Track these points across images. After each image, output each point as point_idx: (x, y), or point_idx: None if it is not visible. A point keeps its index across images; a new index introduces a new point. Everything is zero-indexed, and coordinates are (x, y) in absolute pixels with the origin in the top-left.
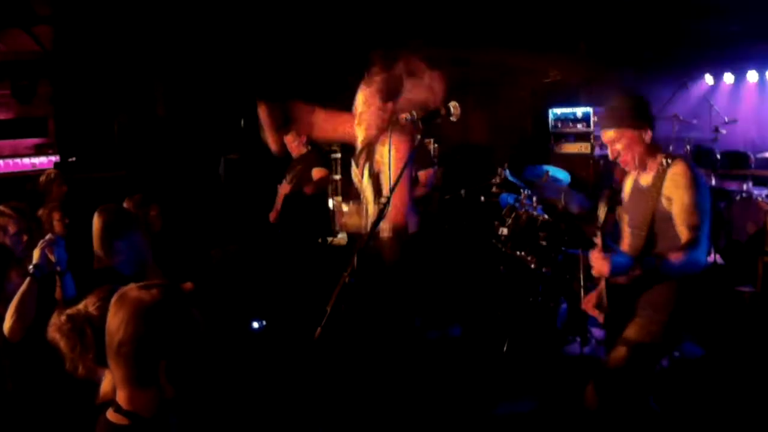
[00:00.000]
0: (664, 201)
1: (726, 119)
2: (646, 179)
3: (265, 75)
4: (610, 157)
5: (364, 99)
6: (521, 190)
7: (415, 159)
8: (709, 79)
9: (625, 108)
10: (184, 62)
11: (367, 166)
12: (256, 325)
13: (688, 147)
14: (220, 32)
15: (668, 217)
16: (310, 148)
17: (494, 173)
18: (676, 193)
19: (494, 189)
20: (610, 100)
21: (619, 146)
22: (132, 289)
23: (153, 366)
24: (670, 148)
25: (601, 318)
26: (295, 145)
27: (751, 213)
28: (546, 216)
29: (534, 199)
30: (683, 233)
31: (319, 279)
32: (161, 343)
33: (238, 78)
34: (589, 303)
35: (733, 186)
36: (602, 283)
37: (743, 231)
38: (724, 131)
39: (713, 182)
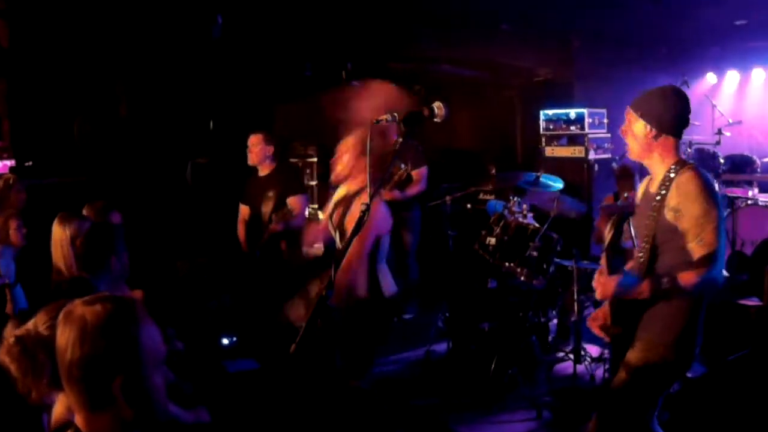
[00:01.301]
0: (668, 213)
1: (730, 120)
2: (655, 186)
3: (235, 73)
4: (620, 131)
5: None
6: (510, 197)
7: (409, 158)
8: (711, 77)
9: (649, 99)
10: (148, 59)
11: (338, 215)
12: (226, 341)
13: (690, 150)
14: (187, 28)
15: (672, 229)
16: (276, 163)
17: (481, 179)
18: (684, 205)
19: (481, 195)
20: (657, 87)
21: (626, 125)
22: (77, 306)
23: (107, 387)
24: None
25: (606, 338)
26: (257, 151)
27: (757, 221)
28: (537, 224)
29: (524, 206)
30: (695, 249)
31: (294, 293)
32: (113, 362)
33: (207, 77)
34: (594, 322)
35: (737, 192)
36: (606, 303)
37: (748, 240)
38: (727, 133)
39: (716, 188)
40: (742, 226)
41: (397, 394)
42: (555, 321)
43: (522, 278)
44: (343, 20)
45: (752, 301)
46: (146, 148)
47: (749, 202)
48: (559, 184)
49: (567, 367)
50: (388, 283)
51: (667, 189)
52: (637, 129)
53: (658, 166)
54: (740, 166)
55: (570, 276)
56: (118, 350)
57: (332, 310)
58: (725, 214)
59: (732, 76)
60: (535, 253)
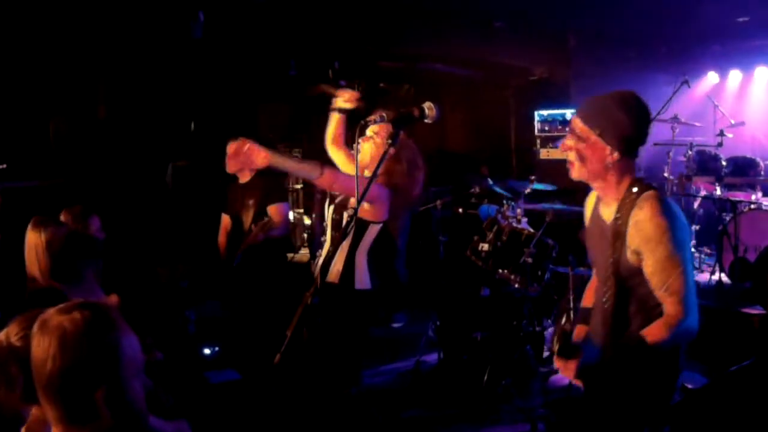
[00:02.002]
0: (630, 255)
1: (732, 121)
2: (607, 212)
3: (217, 72)
4: (560, 147)
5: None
6: (504, 201)
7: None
8: (713, 76)
9: (609, 112)
10: (127, 58)
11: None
12: (208, 351)
13: (690, 153)
14: (167, 26)
15: (636, 272)
16: (257, 170)
17: (473, 182)
18: (645, 247)
19: (474, 199)
20: (610, 92)
21: (573, 142)
22: (52, 316)
23: (88, 398)
24: (683, 153)
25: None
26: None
27: (761, 226)
28: (531, 229)
29: (518, 210)
30: (662, 298)
31: (279, 300)
32: (95, 371)
33: (188, 76)
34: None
35: (740, 196)
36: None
37: (752, 246)
38: (730, 135)
39: (718, 192)
40: (744, 231)
41: (386, 406)
42: (550, 330)
43: (516, 285)
44: (330, 16)
45: (756, 310)
46: (125, 150)
47: (752, 206)
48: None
49: (563, 377)
50: (363, 277)
51: (625, 222)
52: (590, 149)
53: (612, 189)
54: (743, 168)
55: (566, 283)
56: (99, 359)
57: (311, 308)
58: (727, 219)
59: (734, 75)
60: (529, 260)
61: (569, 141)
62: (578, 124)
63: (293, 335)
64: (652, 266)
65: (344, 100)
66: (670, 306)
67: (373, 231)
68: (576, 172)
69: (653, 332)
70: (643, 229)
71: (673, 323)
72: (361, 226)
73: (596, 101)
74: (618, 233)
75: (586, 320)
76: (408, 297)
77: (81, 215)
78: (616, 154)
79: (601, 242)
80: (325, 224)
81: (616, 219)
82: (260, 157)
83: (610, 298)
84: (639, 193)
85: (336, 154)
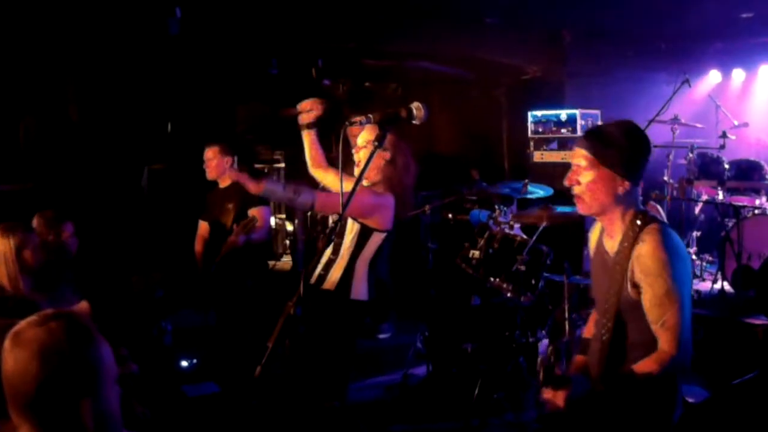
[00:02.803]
0: (630, 289)
1: (735, 122)
2: (611, 245)
3: (194, 72)
4: (565, 182)
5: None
6: (495, 206)
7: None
8: (714, 75)
9: (613, 143)
10: (101, 56)
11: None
12: (185, 363)
13: (691, 155)
14: (142, 23)
15: (636, 306)
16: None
17: (464, 186)
18: (645, 281)
19: (464, 204)
20: (610, 122)
21: (580, 177)
22: (25, 328)
23: (70, 412)
24: (684, 156)
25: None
26: (214, 165)
27: (765, 232)
28: (525, 236)
29: (510, 215)
30: (658, 332)
31: (260, 309)
32: (76, 384)
33: (164, 76)
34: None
35: (743, 201)
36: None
37: (755, 253)
38: (733, 137)
39: (720, 196)
40: (748, 237)
41: (372, 420)
42: (545, 341)
43: (508, 294)
44: (312, 12)
45: (760, 320)
46: (98, 152)
47: (756, 211)
48: (548, 193)
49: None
50: (361, 287)
51: (627, 255)
52: (599, 180)
53: (617, 221)
54: (747, 172)
55: (561, 292)
56: (79, 370)
57: (298, 319)
58: (730, 225)
59: (737, 74)
60: (522, 268)
61: (576, 174)
62: (585, 156)
63: (275, 347)
64: (650, 300)
65: (306, 112)
66: (664, 342)
67: (376, 239)
68: (586, 207)
69: (644, 368)
70: (643, 263)
71: (666, 359)
72: (365, 233)
73: (601, 132)
74: (620, 266)
75: (585, 351)
76: (395, 306)
77: (53, 220)
78: (627, 184)
79: (603, 274)
80: (327, 231)
81: (618, 252)
82: (252, 188)
83: (609, 331)
84: (642, 226)
85: (323, 176)
